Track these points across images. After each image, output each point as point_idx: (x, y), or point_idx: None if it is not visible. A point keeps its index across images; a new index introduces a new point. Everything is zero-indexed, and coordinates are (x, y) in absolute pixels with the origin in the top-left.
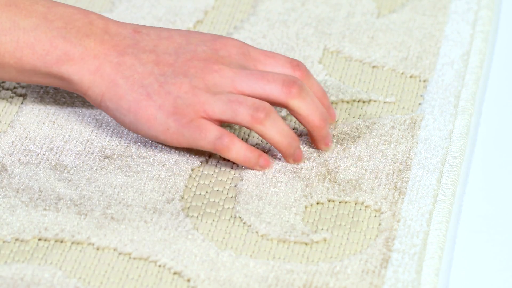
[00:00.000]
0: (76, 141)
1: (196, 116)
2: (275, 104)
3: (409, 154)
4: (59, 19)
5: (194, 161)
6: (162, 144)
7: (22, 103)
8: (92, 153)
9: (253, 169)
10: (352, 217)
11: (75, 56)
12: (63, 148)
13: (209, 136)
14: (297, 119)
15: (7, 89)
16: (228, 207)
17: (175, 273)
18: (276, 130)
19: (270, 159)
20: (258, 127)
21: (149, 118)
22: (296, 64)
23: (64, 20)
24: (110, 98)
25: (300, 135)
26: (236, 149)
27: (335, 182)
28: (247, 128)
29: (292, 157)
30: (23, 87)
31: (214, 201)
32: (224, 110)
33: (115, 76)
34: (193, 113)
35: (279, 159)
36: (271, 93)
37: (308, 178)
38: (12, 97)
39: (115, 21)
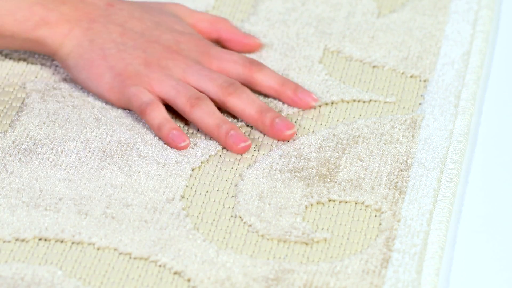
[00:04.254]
0: (76, 141)
1: (140, 85)
2: (214, 101)
3: (409, 154)
4: None
5: (195, 161)
6: (108, 103)
7: (23, 103)
8: (92, 153)
9: (166, 141)
10: (353, 217)
11: (51, 21)
12: (63, 148)
13: (141, 99)
14: (237, 117)
15: (8, 90)
16: (228, 207)
17: (175, 273)
18: (205, 113)
19: (186, 138)
20: (191, 111)
21: (99, 75)
22: (248, 62)
23: None
24: (72, 57)
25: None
26: (154, 115)
27: (336, 182)
28: (181, 113)
29: (225, 141)
30: (24, 87)
31: (214, 201)
32: (168, 90)
33: (82, 39)
34: (138, 81)
35: (278, 158)
36: (211, 90)
37: (308, 178)
38: (12, 97)
39: None
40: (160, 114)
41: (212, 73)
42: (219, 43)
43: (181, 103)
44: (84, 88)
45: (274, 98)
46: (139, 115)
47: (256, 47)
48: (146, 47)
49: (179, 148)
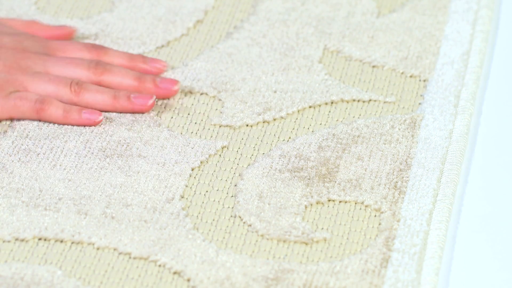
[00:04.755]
0: (76, 141)
1: (16, 90)
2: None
3: (409, 154)
4: None
5: (194, 161)
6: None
7: None
8: (92, 153)
9: (80, 123)
10: (352, 217)
11: None
12: (63, 148)
13: (30, 100)
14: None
15: None
16: (228, 207)
17: (175, 273)
18: (95, 92)
19: (99, 113)
20: (80, 98)
21: None
22: (91, 46)
23: None
24: None
25: None
26: (53, 108)
27: (335, 182)
28: (69, 102)
29: (132, 106)
30: None
31: (214, 201)
32: (46, 86)
33: None
34: (12, 88)
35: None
36: (81, 74)
37: (308, 178)
38: None
39: None
40: (58, 105)
41: (72, 60)
42: None
43: (65, 93)
44: None
45: None
46: (33, 117)
47: (71, 33)
48: None
49: (97, 124)
